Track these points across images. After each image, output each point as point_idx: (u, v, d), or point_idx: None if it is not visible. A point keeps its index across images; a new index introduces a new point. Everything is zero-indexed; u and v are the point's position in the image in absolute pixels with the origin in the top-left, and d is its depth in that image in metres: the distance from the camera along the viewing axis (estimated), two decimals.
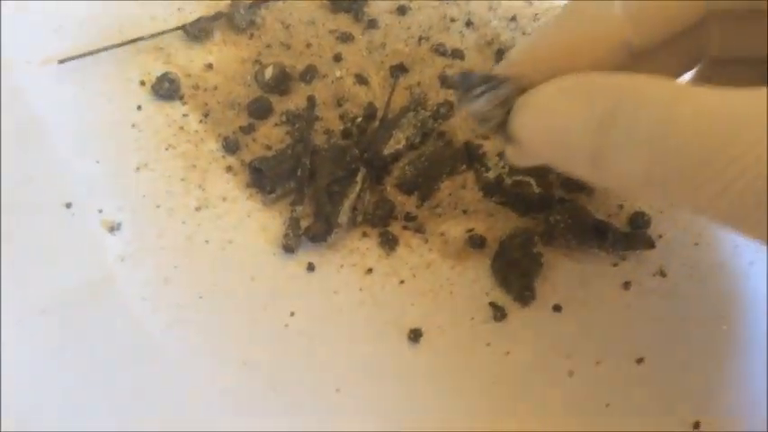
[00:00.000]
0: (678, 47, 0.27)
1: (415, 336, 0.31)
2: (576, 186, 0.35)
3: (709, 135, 0.20)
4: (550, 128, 0.24)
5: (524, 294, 0.32)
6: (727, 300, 0.33)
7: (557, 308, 0.32)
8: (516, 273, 0.32)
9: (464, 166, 0.35)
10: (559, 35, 0.26)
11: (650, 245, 0.33)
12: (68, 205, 0.33)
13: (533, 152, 0.25)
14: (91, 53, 0.36)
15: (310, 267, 0.32)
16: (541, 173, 0.35)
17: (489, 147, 0.36)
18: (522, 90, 0.25)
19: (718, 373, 0.32)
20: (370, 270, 0.33)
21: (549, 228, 0.33)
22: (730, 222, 0.21)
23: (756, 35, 0.27)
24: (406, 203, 0.34)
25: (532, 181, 0.34)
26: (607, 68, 0.25)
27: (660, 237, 0.34)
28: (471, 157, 0.35)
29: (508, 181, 0.34)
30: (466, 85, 0.26)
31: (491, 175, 0.35)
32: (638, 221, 0.34)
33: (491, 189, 0.34)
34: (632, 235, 0.34)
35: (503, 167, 0.34)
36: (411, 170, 0.34)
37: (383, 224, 0.33)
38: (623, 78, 0.23)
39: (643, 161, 0.21)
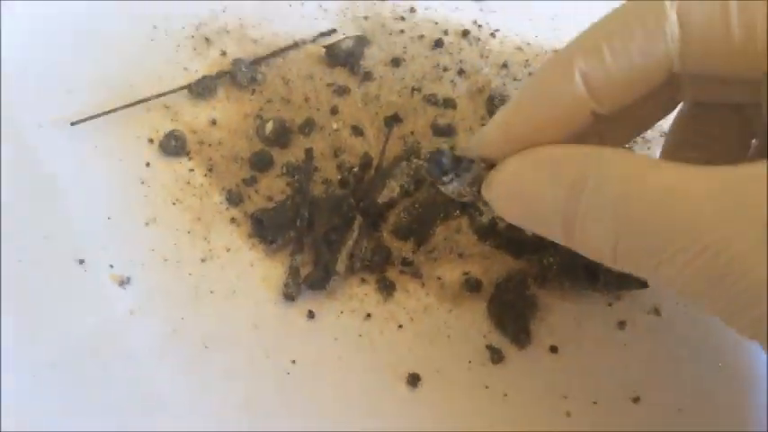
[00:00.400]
0: (650, 102, 0.27)
1: (413, 380, 0.32)
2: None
3: (669, 214, 0.21)
4: (521, 198, 0.25)
5: (520, 337, 0.33)
6: (722, 337, 0.34)
7: (553, 349, 0.33)
8: (512, 315, 0.33)
9: (457, 211, 0.36)
10: (524, 115, 0.26)
11: (642, 285, 0.34)
12: (81, 261, 0.34)
13: (509, 219, 0.26)
14: (102, 114, 0.38)
15: (310, 315, 0.34)
16: None
17: None
18: (492, 165, 0.26)
19: (715, 410, 0.32)
20: (368, 315, 0.34)
21: (542, 270, 0.34)
22: (690, 298, 0.22)
23: (730, 87, 0.27)
24: (403, 249, 0.35)
25: None
26: (575, 134, 0.26)
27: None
28: (464, 202, 0.36)
29: (501, 224, 0.35)
30: (437, 172, 0.27)
31: (484, 219, 0.36)
32: None
33: (485, 233, 0.36)
34: (624, 275, 0.34)
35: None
36: (406, 217, 0.35)
37: (380, 270, 0.35)
38: (589, 151, 0.24)
39: (609, 233, 0.22)
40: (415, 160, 0.37)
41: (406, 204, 0.36)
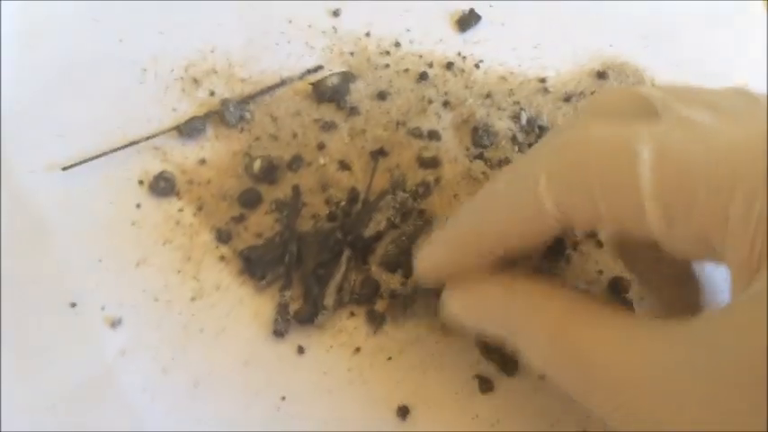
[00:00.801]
0: None
1: (402, 413, 0.32)
2: (555, 255, 0.36)
3: (587, 370, 0.24)
4: (466, 321, 0.30)
5: (508, 365, 0.33)
6: None
7: (542, 376, 0.33)
8: (498, 344, 0.33)
9: None
10: (486, 228, 0.28)
11: (631, 308, 0.34)
12: (73, 305, 0.35)
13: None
14: (93, 158, 0.39)
15: (300, 350, 0.34)
16: None
17: None
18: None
19: None
20: (358, 349, 0.34)
21: None
22: None
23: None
24: (391, 281, 0.36)
25: None
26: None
27: (642, 299, 0.35)
28: None
29: None
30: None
31: None
32: (618, 286, 0.35)
33: None
34: (614, 300, 0.35)
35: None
36: (393, 249, 0.36)
37: (369, 302, 0.35)
38: (519, 307, 0.27)
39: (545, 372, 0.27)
40: (400, 193, 0.37)
41: (393, 236, 0.36)
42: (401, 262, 0.36)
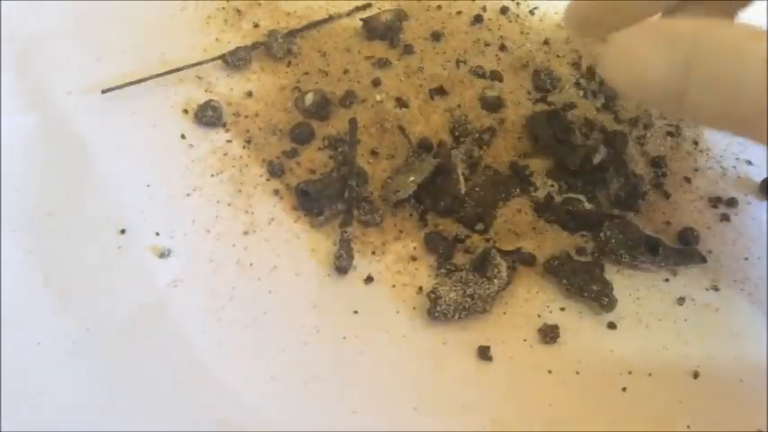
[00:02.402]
0: None
1: (483, 354, 0.31)
2: (625, 204, 0.35)
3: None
4: (634, 70, 0.25)
5: (603, 301, 0.32)
6: None
7: (611, 325, 0.32)
8: (588, 278, 0.32)
9: (516, 189, 0.35)
10: None
11: (702, 260, 0.33)
12: (122, 231, 0.33)
13: (620, 90, 0.27)
14: (134, 82, 0.37)
15: (368, 280, 0.32)
16: (590, 190, 0.35)
17: (535, 166, 0.36)
18: None
19: None
20: (420, 288, 0.33)
21: (600, 244, 0.33)
22: None
23: None
24: (471, 236, 0.34)
25: (583, 198, 0.34)
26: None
27: (710, 252, 0.34)
28: (520, 177, 0.35)
29: (558, 199, 0.34)
30: None
31: (539, 194, 0.35)
32: (687, 237, 0.34)
33: (541, 208, 0.35)
34: (683, 250, 0.34)
35: (551, 185, 0.34)
36: (469, 205, 0.34)
37: (447, 256, 0.33)
38: (699, 24, 0.24)
39: (720, 101, 0.23)
40: (465, 145, 0.36)
41: (466, 190, 0.35)
42: (479, 215, 0.34)
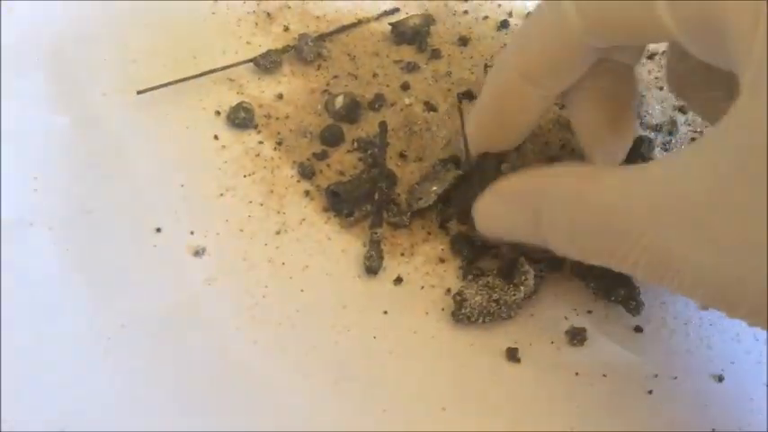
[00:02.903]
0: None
1: (512, 355, 0.31)
2: None
3: (608, 220, 0.25)
4: (496, 227, 0.31)
5: (630, 304, 0.32)
6: None
7: (638, 329, 0.33)
8: (615, 281, 0.32)
9: None
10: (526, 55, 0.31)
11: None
12: (158, 230, 0.33)
13: (491, 237, 0.32)
14: (169, 84, 0.37)
15: (397, 281, 0.33)
16: None
17: None
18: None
19: None
20: (448, 290, 0.33)
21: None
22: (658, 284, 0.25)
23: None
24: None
25: None
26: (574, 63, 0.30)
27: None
28: None
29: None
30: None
31: None
32: None
33: None
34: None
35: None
36: None
37: (471, 260, 0.34)
38: (542, 180, 0.28)
39: (571, 243, 0.27)
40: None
41: None
42: None
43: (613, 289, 0.32)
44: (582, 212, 0.26)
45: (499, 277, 0.32)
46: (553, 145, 0.37)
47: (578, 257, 0.28)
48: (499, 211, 0.30)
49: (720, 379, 0.31)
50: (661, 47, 0.42)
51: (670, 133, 0.38)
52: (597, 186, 0.26)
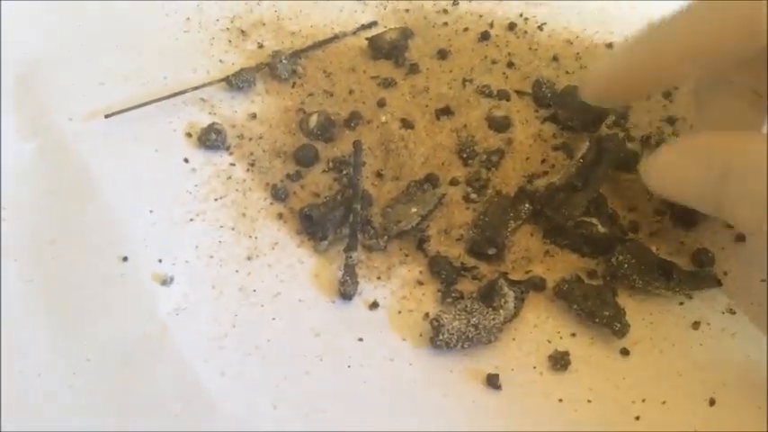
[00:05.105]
0: None
1: (492, 382, 0.30)
2: (637, 227, 0.34)
3: None
4: (676, 184, 0.29)
5: (615, 326, 0.31)
6: None
7: (624, 351, 0.31)
8: (600, 303, 0.31)
9: (526, 205, 0.34)
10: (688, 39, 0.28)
11: (717, 283, 0.32)
12: (124, 259, 0.32)
13: (667, 197, 0.30)
14: (137, 106, 0.36)
15: (373, 307, 0.32)
16: (604, 212, 0.34)
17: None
18: None
19: None
20: (426, 314, 0.32)
21: (612, 269, 0.32)
22: None
23: None
24: (479, 266, 0.33)
25: (595, 221, 0.33)
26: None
27: (726, 274, 0.33)
28: (531, 202, 0.34)
29: (570, 223, 0.33)
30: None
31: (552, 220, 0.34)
32: (702, 259, 0.33)
33: (552, 232, 0.34)
34: (697, 273, 0.33)
35: (564, 212, 0.33)
36: (476, 231, 0.33)
37: (451, 282, 0.33)
38: (733, 140, 0.27)
39: (755, 213, 0.25)
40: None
41: (472, 219, 0.34)
42: (490, 240, 0.33)
43: (597, 310, 0.31)
44: None
45: (478, 300, 0.31)
46: (534, 161, 0.36)
47: (755, 229, 0.26)
48: (683, 166, 0.28)
49: (712, 402, 0.30)
50: None
51: (657, 144, 0.37)
52: None
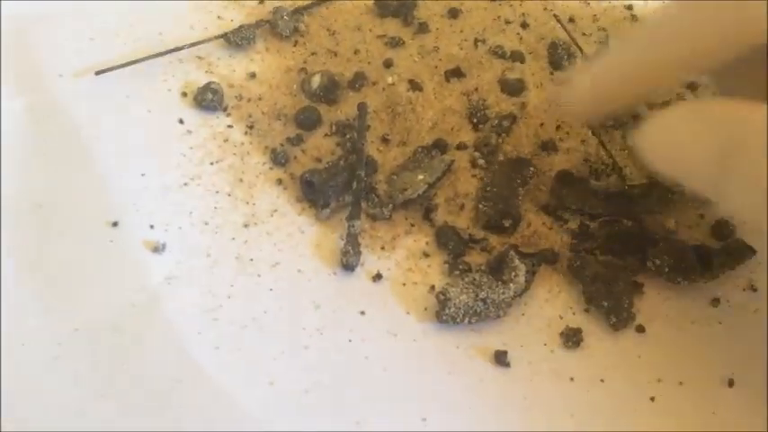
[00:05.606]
0: None
1: (500, 359, 0.29)
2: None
3: None
4: (672, 151, 0.25)
5: (611, 319, 0.29)
6: None
7: (639, 328, 0.30)
8: (604, 291, 0.30)
9: (532, 168, 0.32)
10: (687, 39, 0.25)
11: (752, 252, 0.30)
12: (115, 224, 0.31)
13: (657, 169, 0.26)
14: (129, 63, 0.35)
15: (376, 278, 0.30)
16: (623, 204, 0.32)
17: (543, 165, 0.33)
18: None
19: None
20: (432, 287, 0.30)
21: (650, 273, 0.30)
22: None
23: None
24: (489, 238, 0.31)
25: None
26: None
27: None
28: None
29: (593, 225, 0.32)
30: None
31: (572, 225, 0.32)
32: (724, 231, 0.32)
33: (580, 238, 0.32)
34: (729, 248, 0.31)
35: (582, 215, 0.32)
36: (486, 204, 0.32)
37: (459, 254, 0.31)
38: (745, 110, 0.23)
39: (760, 195, 0.22)
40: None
41: (478, 191, 0.32)
42: (503, 212, 0.31)
43: (599, 298, 0.30)
44: None
45: (487, 273, 0.29)
46: (549, 127, 0.34)
47: (755, 219, 0.23)
48: (683, 134, 0.24)
49: (731, 383, 0.29)
50: None
51: None
52: None
